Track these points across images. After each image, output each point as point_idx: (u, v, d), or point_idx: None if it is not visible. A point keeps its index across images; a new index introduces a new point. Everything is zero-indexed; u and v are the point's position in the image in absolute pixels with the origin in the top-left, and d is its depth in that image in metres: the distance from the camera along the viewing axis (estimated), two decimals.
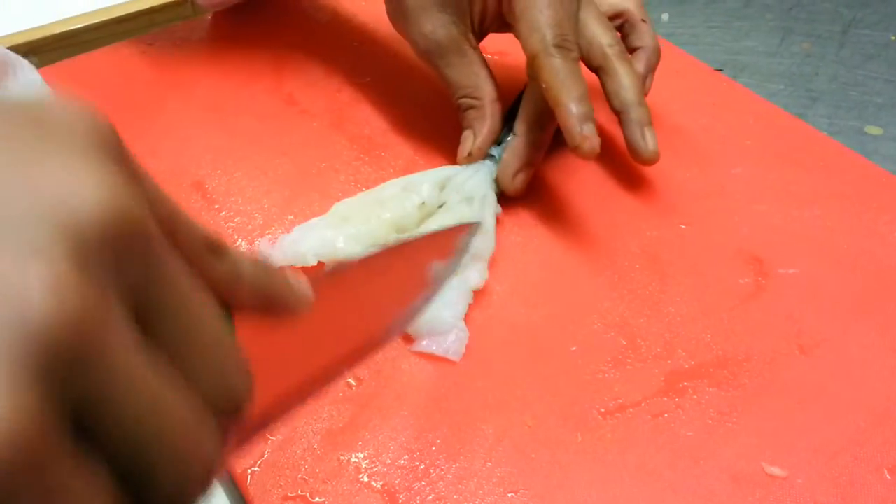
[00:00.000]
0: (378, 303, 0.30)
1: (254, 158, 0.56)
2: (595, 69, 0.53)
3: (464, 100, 0.52)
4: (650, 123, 0.52)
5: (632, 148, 0.52)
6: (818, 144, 0.58)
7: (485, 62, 0.52)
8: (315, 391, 0.28)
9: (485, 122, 0.51)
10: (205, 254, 0.22)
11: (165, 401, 0.18)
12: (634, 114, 0.51)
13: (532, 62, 0.48)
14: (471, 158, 0.51)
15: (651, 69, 0.56)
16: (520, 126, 0.50)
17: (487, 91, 0.51)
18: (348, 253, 0.46)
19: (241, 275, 0.23)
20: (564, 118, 0.47)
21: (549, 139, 0.49)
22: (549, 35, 0.47)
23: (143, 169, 0.21)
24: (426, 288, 0.32)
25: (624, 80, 0.51)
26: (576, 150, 0.47)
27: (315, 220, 0.49)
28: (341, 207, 0.50)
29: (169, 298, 0.19)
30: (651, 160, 0.52)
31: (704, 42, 0.71)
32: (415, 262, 0.33)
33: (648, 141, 0.51)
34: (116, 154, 0.20)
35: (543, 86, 0.47)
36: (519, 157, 0.50)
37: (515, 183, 0.50)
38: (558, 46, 0.47)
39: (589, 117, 0.47)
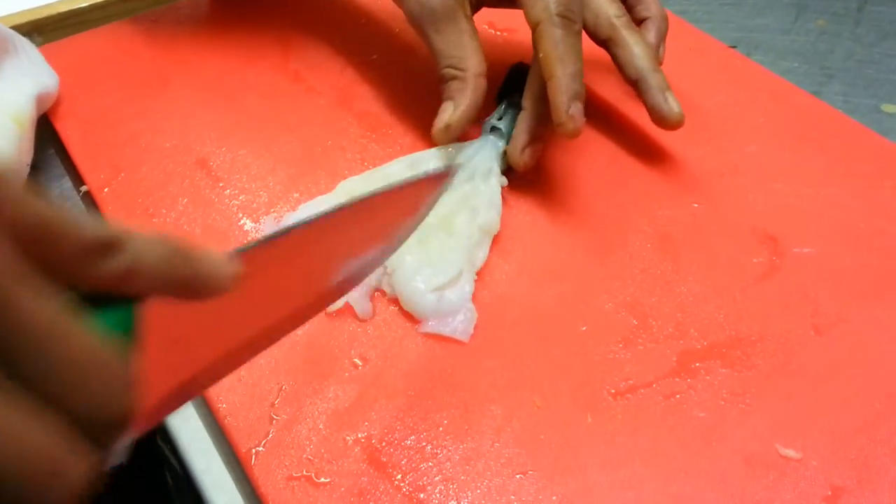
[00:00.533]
0: (324, 263, 0.30)
1: (259, 136, 0.55)
2: (604, 41, 0.52)
3: (447, 70, 0.50)
4: (669, 88, 0.50)
5: (656, 113, 0.50)
6: (833, 122, 0.57)
7: (475, 34, 0.50)
8: (255, 352, 0.28)
9: (466, 94, 0.49)
10: (89, 256, 0.22)
11: (18, 435, 0.18)
12: (653, 80, 0.50)
13: (534, 30, 0.46)
14: (448, 131, 0.49)
15: (662, 38, 0.55)
16: (527, 100, 0.49)
17: (473, 64, 0.49)
18: None
19: (143, 266, 0.23)
20: (554, 92, 0.45)
21: None
22: (553, 4, 0.45)
23: (6, 178, 0.20)
24: (381, 244, 0.32)
25: (635, 48, 0.50)
26: (559, 126, 0.46)
27: (321, 197, 0.48)
28: (347, 185, 0.49)
29: (19, 337, 0.19)
30: (677, 123, 0.50)
31: (718, 19, 0.70)
32: (371, 219, 0.32)
33: (672, 104, 0.50)
34: None
35: (541, 55, 0.46)
36: (526, 132, 0.49)
37: (524, 157, 0.49)
38: (562, 16, 0.45)
39: (579, 96, 0.46)
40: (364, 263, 0.31)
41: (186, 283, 0.24)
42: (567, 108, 0.45)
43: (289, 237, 0.28)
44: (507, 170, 0.51)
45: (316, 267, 0.30)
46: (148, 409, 0.23)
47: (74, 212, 0.22)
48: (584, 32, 0.48)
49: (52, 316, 0.20)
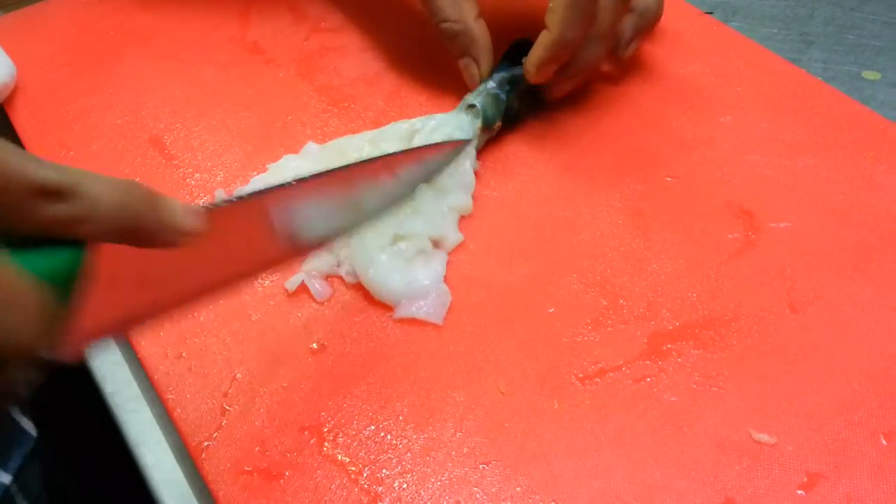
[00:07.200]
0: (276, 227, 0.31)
1: (215, 111, 0.53)
2: None
3: (445, 25, 0.50)
4: (643, 37, 0.52)
5: (619, 48, 0.52)
6: (812, 90, 0.55)
7: None
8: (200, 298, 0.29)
9: (477, 44, 0.50)
10: (33, 199, 0.22)
11: None
12: (640, 21, 0.51)
13: None
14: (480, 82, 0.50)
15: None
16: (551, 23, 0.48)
17: (467, 10, 0.50)
18: None
19: (97, 213, 0.23)
20: (543, 45, 0.47)
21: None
22: None
23: None
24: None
25: None
26: (527, 72, 0.48)
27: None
28: (312, 147, 0.48)
29: None
30: (621, 57, 0.53)
31: None
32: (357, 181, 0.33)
33: (629, 50, 0.52)
34: None
35: (551, 4, 0.46)
36: (548, 48, 0.48)
37: (542, 72, 0.48)
38: None
39: (561, 59, 0.47)
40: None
41: (146, 231, 0.25)
42: (544, 62, 0.47)
43: (256, 200, 0.30)
44: (482, 147, 0.49)
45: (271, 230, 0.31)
46: (75, 340, 0.24)
47: (26, 155, 0.23)
48: None
49: None
